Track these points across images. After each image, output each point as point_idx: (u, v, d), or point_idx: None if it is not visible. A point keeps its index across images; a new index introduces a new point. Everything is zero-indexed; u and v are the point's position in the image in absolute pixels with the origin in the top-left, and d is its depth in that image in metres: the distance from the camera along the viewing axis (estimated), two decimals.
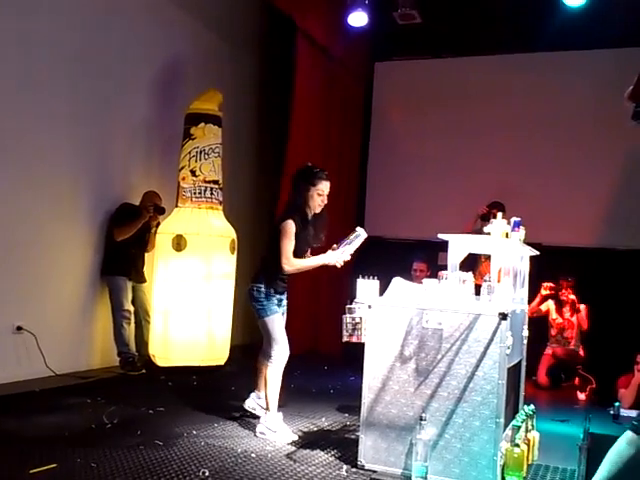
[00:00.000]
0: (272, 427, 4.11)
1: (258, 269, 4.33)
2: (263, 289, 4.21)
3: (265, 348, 4.33)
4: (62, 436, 3.83)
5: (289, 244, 4.12)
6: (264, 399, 4.29)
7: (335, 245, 4.30)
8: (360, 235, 4.29)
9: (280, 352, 4.18)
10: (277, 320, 4.23)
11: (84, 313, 5.78)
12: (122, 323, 5.80)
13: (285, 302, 4.43)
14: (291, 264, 4.13)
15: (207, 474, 3.33)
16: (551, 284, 6.78)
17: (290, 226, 4.12)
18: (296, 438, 4.10)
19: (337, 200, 8.35)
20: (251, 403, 4.56)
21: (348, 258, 4.30)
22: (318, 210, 4.31)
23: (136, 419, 4.32)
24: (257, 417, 4.40)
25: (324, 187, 4.26)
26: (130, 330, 5.89)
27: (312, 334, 7.97)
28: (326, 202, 4.31)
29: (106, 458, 3.47)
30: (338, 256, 4.25)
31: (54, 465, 3.30)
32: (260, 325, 4.27)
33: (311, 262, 4.28)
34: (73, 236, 5.66)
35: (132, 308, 5.93)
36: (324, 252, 4.34)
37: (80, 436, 3.86)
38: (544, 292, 6.81)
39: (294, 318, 7.46)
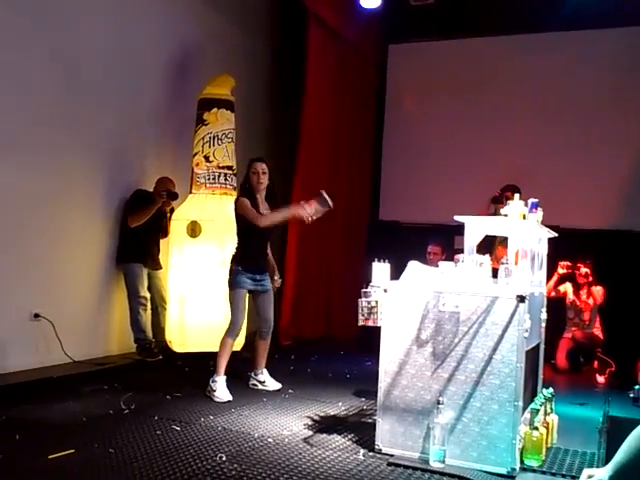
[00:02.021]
0: (213, 387, 4.62)
1: (234, 252, 4.93)
2: (233, 267, 4.80)
3: (258, 327, 5.00)
4: (80, 422, 3.86)
5: (250, 209, 4.70)
6: (262, 375, 4.99)
7: (303, 202, 4.62)
8: (325, 200, 4.54)
9: (232, 324, 4.75)
10: (239, 295, 4.77)
11: (101, 300, 5.80)
12: (138, 310, 5.81)
13: (265, 283, 4.93)
14: (262, 219, 4.69)
15: (224, 459, 3.33)
16: (568, 263, 6.71)
17: (242, 200, 4.76)
18: (231, 398, 4.53)
19: (352, 185, 8.35)
20: (252, 381, 5.05)
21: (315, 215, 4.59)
22: (260, 186, 4.83)
23: (153, 405, 4.34)
24: (272, 396, 4.74)
25: (258, 167, 4.85)
26: (146, 317, 5.90)
27: (327, 319, 7.97)
28: (264, 180, 4.85)
29: (124, 443, 3.49)
30: (309, 211, 4.54)
31: (72, 450, 3.32)
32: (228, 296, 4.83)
33: (282, 213, 4.76)
34: (89, 223, 5.67)
35: (148, 295, 5.94)
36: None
37: (98, 422, 3.88)
38: (561, 271, 6.74)
39: (309, 303, 7.53)
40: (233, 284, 4.77)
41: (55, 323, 5.18)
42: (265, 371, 5.05)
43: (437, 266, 5.63)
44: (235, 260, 4.84)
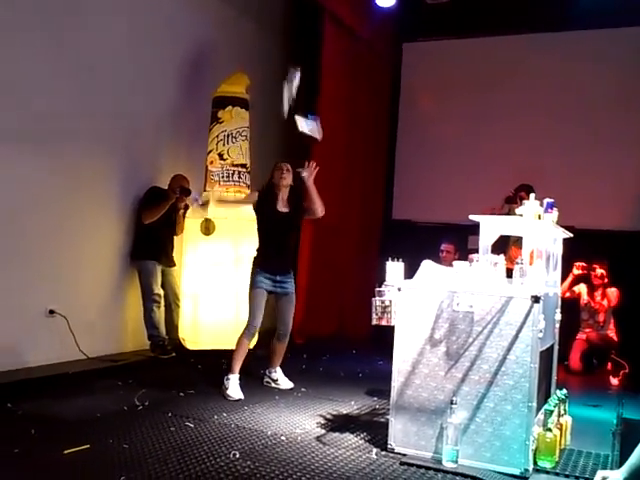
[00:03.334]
0: (226, 385, 4.63)
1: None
2: (252, 267, 4.86)
3: (277, 324, 4.97)
4: (95, 418, 3.88)
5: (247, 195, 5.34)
6: (275, 374, 5.03)
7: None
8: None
9: (248, 324, 4.76)
10: (256, 296, 4.77)
11: (115, 297, 5.84)
12: (152, 307, 5.84)
13: (287, 285, 4.90)
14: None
15: (237, 456, 3.35)
16: (583, 263, 6.67)
17: (252, 192, 5.13)
18: (242, 397, 4.54)
19: (365, 184, 8.34)
20: (266, 379, 5.07)
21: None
22: (284, 182, 4.89)
23: (167, 401, 4.37)
24: (284, 394, 4.78)
25: (282, 165, 4.95)
26: (160, 314, 5.93)
27: (340, 318, 7.97)
28: (288, 178, 4.91)
29: (138, 439, 3.51)
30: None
31: (87, 446, 3.35)
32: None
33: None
34: (104, 220, 5.71)
35: (162, 292, 5.97)
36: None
37: (112, 418, 3.91)
38: (576, 271, 6.70)
39: (321, 301, 7.53)
40: (251, 284, 4.80)
41: (70, 319, 5.22)
42: (279, 369, 5.07)
43: (450, 264, 5.68)
44: (254, 261, 4.89)
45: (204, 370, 5.47)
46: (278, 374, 5.04)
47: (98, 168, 5.61)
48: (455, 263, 3.76)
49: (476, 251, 3.71)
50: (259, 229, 4.92)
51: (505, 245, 6.11)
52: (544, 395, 3.78)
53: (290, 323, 4.97)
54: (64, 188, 5.26)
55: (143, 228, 5.85)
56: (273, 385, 5.01)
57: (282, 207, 4.88)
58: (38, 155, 5.02)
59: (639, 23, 7.27)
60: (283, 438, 3.73)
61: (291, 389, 4.96)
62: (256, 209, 4.92)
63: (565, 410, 3.85)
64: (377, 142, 8.64)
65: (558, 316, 4.23)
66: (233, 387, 4.63)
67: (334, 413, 4.37)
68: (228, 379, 4.66)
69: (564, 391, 3.91)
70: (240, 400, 4.52)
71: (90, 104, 5.46)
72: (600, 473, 2.60)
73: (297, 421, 4.11)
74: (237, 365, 4.71)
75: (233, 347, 5.85)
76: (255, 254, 4.92)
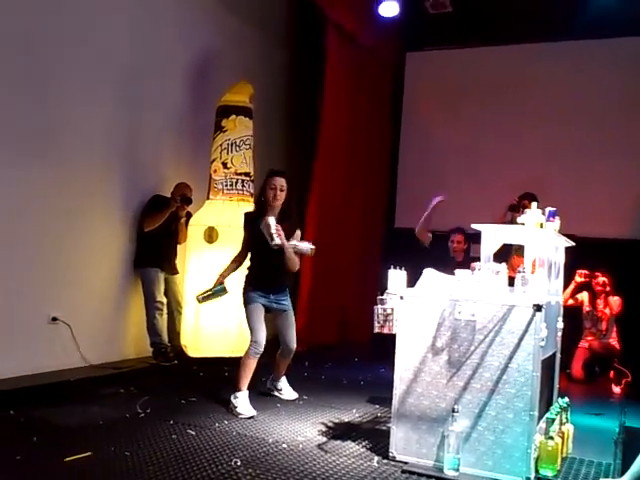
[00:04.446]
0: (235, 403, 4.38)
1: None
2: (244, 286, 4.66)
3: (280, 339, 4.78)
4: (97, 425, 3.89)
5: (243, 240, 4.74)
6: (280, 383, 4.92)
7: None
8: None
9: (252, 341, 4.48)
10: (252, 311, 4.56)
11: (118, 304, 5.85)
12: (154, 314, 5.85)
13: (283, 302, 4.71)
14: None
15: (239, 463, 3.35)
16: (586, 271, 6.67)
17: (242, 220, 4.74)
18: (255, 413, 4.32)
19: (367, 192, 8.36)
20: (269, 385, 4.98)
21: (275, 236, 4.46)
22: (276, 203, 4.60)
23: (169, 409, 4.37)
24: (286, 402, 4.76)
25: (277, 182, 4.60)
26: (162, 321, 5.94)
27: (342, 326, 7.97)
28: (281, 197, 4.61)
29: (139, 447, 3.52)
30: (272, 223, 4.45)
31: (89, 453, 3.35)
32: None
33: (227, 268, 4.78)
34: (107, 228, 5.72)
35: (164, 299, 5.98)
36: None
37: (114, 425, 3.92)
38: (578, 279, 6.70)
39: (323, 309, 7.53)
40: (245, 301, 4.61)
41: (73, 327, 5.23)
42: (284, 379, 4.98)
43: (461, 255, 5.75)
44: (246, 279, 4.68)
45: (206, 377, 5.47)
46: (283, 384, 4.97)
47: (101, 176, 5.63)
48: (457, 271, 3.76)
49: (478, 259, 3.72)
50: (250, 249, 4.69)
51: (507, 253, 6.10)
52: (546, 403, 3.78)
53: (293, 341, 4.75)
54: (67, 196, 5.28)
55: (146, 236, 5.86)
56: (276, 394, 4.95)
57: (272, 226, 4.52)
58: (41, 163, 5.04)
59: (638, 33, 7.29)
60: (285, 446, 3.73)
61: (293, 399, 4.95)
62: (245, 229, 4.71)
63: (567, 418, 3.85)
64: (380, 150, 8.66)
65: (560, 324, 4.22)
66: (243, 404, 4.38)
67: (336, 421, 4.36)
68: (236, 397, 4.40)
69: (566, 399, 3.90)
70: (253, 417, 4.31)
71: (94, 112, 5.49)
72: None
73: (299, 429, 4.11)
74: (244, 382, 4.44)
75: (234, 355, 5.87)
76: (247, 272, 4.71)
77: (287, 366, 4.95)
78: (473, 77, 8.29)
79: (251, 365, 4.46)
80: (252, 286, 4.62)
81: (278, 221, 4.52)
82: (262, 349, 4.47)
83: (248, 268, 4.73)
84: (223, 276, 4.72)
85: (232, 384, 4.55)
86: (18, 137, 4.85)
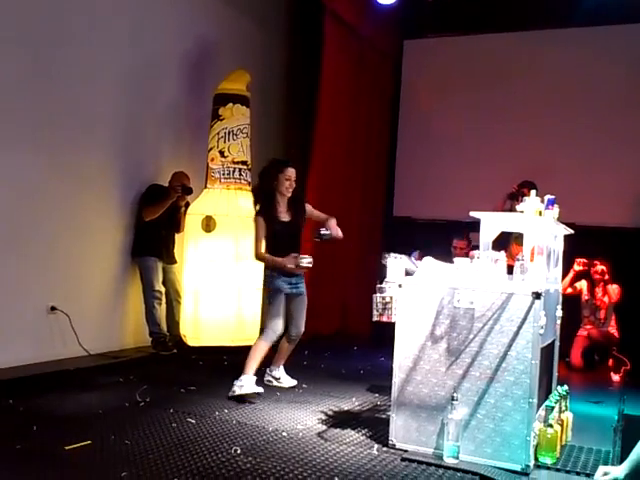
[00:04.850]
0: (240, 383, 4.40)
1: None
2: (268, 272, 4.69)
3: (289, 327, 4.78)
4: (96, 414, 3.89)
5: (256, 237, 4.66)
6: (277, 372, 4.92)
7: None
8: (324, 235, 4.65)
9: (270, 329, 4.56)
10: (277, 299, 4.62)
11: (116, 293, 5.85)
12: (153, 304, 5.85)
13: (300, 286, 4.78)
14: (256, 256, 4.67)
15: (239, 452, 3.35)
16: (584, 260, 6.67)
17: (256, 221, 4.68)
18: (261, 390, 4.41)
19: (366, 181, 8.34)
20: (267, 377, 4.94)
21: (306, 266, 4.60)
22: (289, 194, 4.73)
23: (168, 398, 4.37)
24: (286, 391, 4.76)
25: (291, 174, 4.73)
26: (161, 310, 5.94)
27: (341, 315, 7.97)
28: (294, 186, 4.75)
29: (139, 436, 3.52)
30: (296, 262, 4.55)
31: (89, 442, 3.35)
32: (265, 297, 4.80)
33: (272, 261, 4.64)
34: (105, 218, 5.71)
35: (163, 289, 5.98)
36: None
37: (114, 414, 3.92)
38: (577, 268, 6.71)
39: (322, 298, 7.52)
40: (270, 288, 4.65)
41: (71, 316, 5.23)
42: (282, 368, 5.00)
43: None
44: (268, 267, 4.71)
45: (205, 366, 5.48)
46: (280, 372, 4.97)
47: (99, 165, 5.61)
48: (456, 259, 3.76)
49: (477, 247, 3.71)
50: (269, 240, 4.69)
51: (506, 242, 6.11)
52: (545, 391, 3.79)
53: (303, 325, 4.82)
54: (65, 185, 5.27)
55: (144, 225, 5.86)
56: (275, 383, 4.92)
57: (284, 216, 4.74)
58: (38, 152, 5.02)
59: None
60: (284, 434, 3.73)
61: (293, 386, 4.96)
62: (262, 224, 4.68)
63: (566, 406, 3.85)
64: (378, 139, 8.64)
65: (559, 312, 4.23)
66: (249, 384, 4.41)
67: (335, 409, 4.37)
68: (241, 380, 4.41)
69: (565, 387, 3.91)
70: (260, 394, 4.42)
71: (91, 102, 5.47)
72: (602, 468, 2.61)
73: (298, 417, 4.12)
74: (254, 367, 4.48)
75: (234, 344, 5.88)
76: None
77: (288, 354, 4.96)
78: (472, 65, 8.25)
79: (264, 351, 4.54)
80: (278, 272, 4.65)
81: (289, 208, 4.75)
82: (277, 339, 4.62)
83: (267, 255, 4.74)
84: (274, 264, 4.66)
85: (238, 371, 4.55)
86: (16, 128, 4.84)
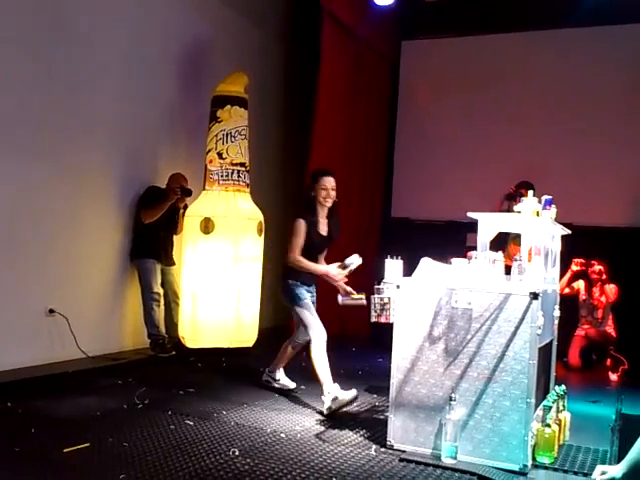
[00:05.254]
0: (332, 397, 4.19)
1: (283, 269, 4.64)
2: (290, 282, 4.54)
3: (295, 334, 4.71)
4: (95, 416, 3.89)
5: (296, 240, 4.48)
6: (278, 373, 4.86)
7: (339, 264, 4.52)
8: (354, 262, 4.52)
9: (316, 335, 4.39)
10: (309, 306, 4.51)
11: (115, 296, 5.85)
12: (152, 305, 5.85)
13: (315, 295, 4.70)
14: (294, 259, 4.48)
15: (237, 453, 3.36)
16: (582, 260, 6.69)
17: (298, 224, 4.50)
18: (356, 393, 4.22)
19: (364, 182, 8.34)
20: (266, 378, 4.91)
21: (343, 279, 4.53)
22: (327, 204, 4.57)
23: (167, 400, 4.37)
24: (284, 392, 4.73)
25: (327, 183, 4.55)
26: (160, 312, 5.94)
27: (339, 316, 7.96)
28: (333, 196, 4.58)
29: (138, 438, 3.52)
30: (339, 272, 4.46)
31: (87, 444, 3.36)
32: (293, 313, 4.59)
33: (313, 267, 4.55)
34: (103, 220, 5.71)
35: (161, 290, 5.98)
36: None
37: (112, 416, 3.92)
38: (575, 268, 6.72)
39: (320, 299, 7.51)
40: (297, 299, 4.51)
41: (70, 318, 5.22)
42: (282, 370, 4.93)
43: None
44: (290, 275, 4.55)
45: (204, 368, 5.48)
46: (280, 374, 4.91)
47: (97, 168, 5.61)
48: (453, 260, 3.77)
49: (474, 248, 3.72)
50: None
51: (504, 242, 6.12)
52: (543, 391, 3.80)
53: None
54: (63, 188, 5.26)
55: (142, 227, 5.86)
56: (274, 384, 4.88)
57: (322, 229, 4.59)
58: (37, 155, 5.02)
59: (636, 20, 7.26)
60: (283, 435, 3.74)
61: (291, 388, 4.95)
62: (301, 232, 4.52)
63: (564, 406, 3.87)
64: (376, 140, 8.64)
65: (557, 312, 4.24)
66: (340, 392, 4.24)
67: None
68: (329, 392, 4.23)
69: (563, 387, 3.92)
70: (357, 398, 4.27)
71: (88, 104, 5.47)
72: (599, 468, 2.61)
73: (296, 419, 4.12)
74: (327, 376, 4.30)
75: (232, 345, 5.89)
76: (288, 267, 4.57)
77: (290, 359, 4.91)
78: (469, 65, 8.26)
79: (325, 356, 4.37)
80: (299, 281, 4.54)
81: (327, 220, 4.62)
82: (325, 338, 4.43)
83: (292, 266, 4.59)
84: (314, 272, 4.56)
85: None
86: (14, 132, 4.83)
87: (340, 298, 4.47)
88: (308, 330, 4.45)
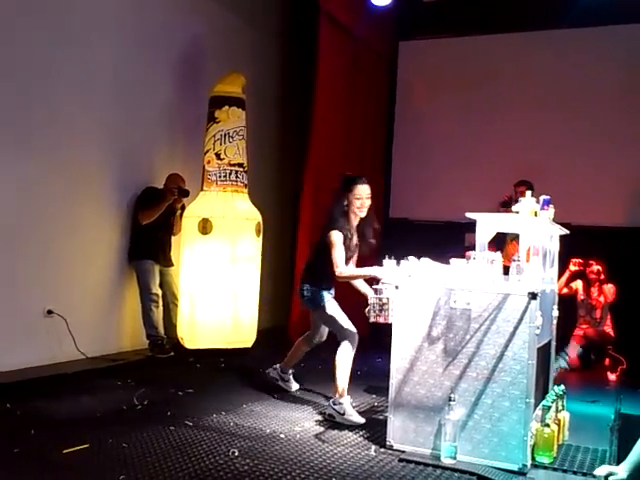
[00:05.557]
0: (340, 410, 4.10)
1: (304, 273, 4.55)
2: (314, 288, 4.43)
3: (311, 334, 4.66)
4: (94, 417, 3.89)
5: (339, 253, 4.21)
6: (286, 375, 4.79)
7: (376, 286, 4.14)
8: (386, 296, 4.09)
9: (349, 340, 4.27)
10: (337, 309, 4.40)
11: (113, 296, 5.84)
12: (150, 306, 5.84)
13: (334, 295, 4.59)
14: (344, 271, 4.23)
15: (237, 454, 3.36)
16: (580, 260, 6.70)
17: (336, 236, 4.22)
18: (364, 421, 4.06)
19: None
20: (273, 373, 4.86)
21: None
22: (362, 214, 4.35)
23: (166, 400, 4.37)
24: (283, 393, 4.69)
25: (362, 192, 4.33)
26: (158, 313, 5.93)
27: None
28: (368, 205, 4.35)
29: (137, 439, 3.52)
30: (387, 273, 4.06)
31: (87, 445, 3.36)
32: (317, 317, 4.53)
33: (362, 272, 4.28)
34: (101, 220, 5.71)
35: (160, 291, 5.97)
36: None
37: (111, 417, 3.92)
38: (573, 268, 6.73)
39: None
40: (322, 302, 4.40)
41: (68, 319, 5.22)
42: (291, 371, 4.89)
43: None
44: (313, 281, 4.44)
45: (202, 369, 5.47)
46: (290, 374, 4.88)
47: (95, 169, 5.61)
48: (452, 260, 3.77)
49: (473, 249, 3.72)
50: (326, 254, 4.28)
51: (502, 242, 6.13)
52: (542, 391, 3.80)
53: (326, 335, 4.68)
54: (61, 188, 5.26)
55: (140, 228, 5.86)
56: (280, 383, 4.83)
57: (355, 238, 4.40)
58: (35, 156, 5.02)
59: (633, 20, 7.27)
60: (282, 436, 3.74)
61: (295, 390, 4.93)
62: (339, 243, 4.26)
63: (563, 406, 3.87)
64: (374, 140, 8.64)
65: (555, 312, 4.24)
66: (350, 409, 4.13)
67: None
68: (340, 404, 4.12)
69: (562, 387, 3.92)
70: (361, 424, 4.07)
71: (86, 105, 5.46)
72: (605, 468, 2.60)
73: (296, 419, 4.12)
74: (346, 386, 4.20)
75: (230, 346, 5.88)
76: (310, 273, 4.51)
77: (300, 358, 4.87)
78: (467, 65, 8.26)
79: (351, 359, 4.28)
80: (323, 288, 4.44)
81: (359, 229, 4.40)
82: (357, 338, 4.32)
83: (315, 269, 4.49)
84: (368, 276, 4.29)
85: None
86: (10, 133, 4.82)
87: (371, 315, 4.02)
88: (340, 335, 4.30)
